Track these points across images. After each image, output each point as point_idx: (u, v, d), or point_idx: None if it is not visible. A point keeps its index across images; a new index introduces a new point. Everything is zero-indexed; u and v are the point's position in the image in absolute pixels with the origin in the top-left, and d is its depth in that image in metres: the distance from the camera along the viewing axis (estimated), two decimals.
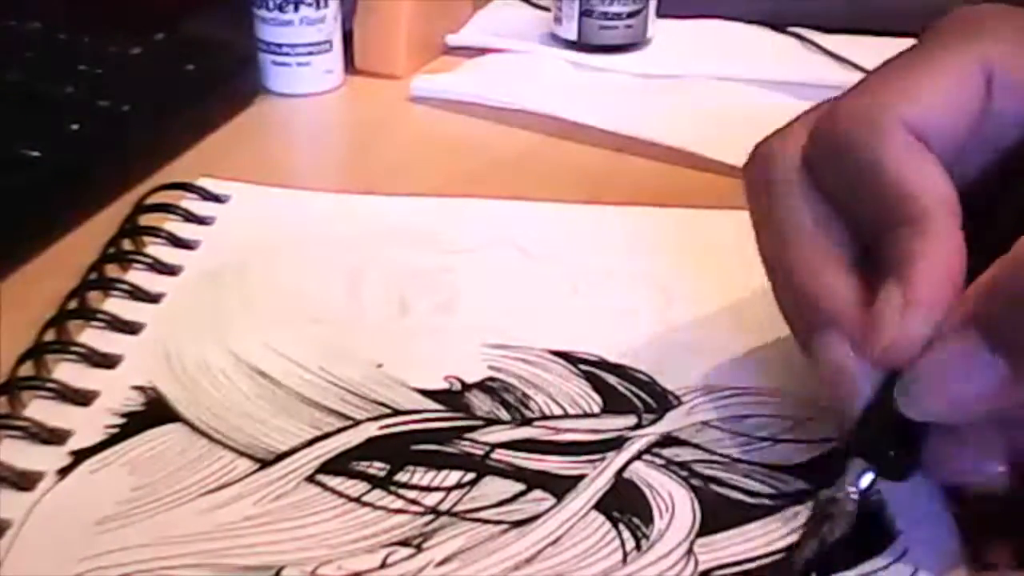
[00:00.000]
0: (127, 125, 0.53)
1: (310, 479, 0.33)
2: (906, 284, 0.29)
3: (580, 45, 0.70)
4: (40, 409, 0.35)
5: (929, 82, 0.32)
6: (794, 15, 0.72)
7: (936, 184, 0.30)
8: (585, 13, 0.68)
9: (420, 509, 0.32)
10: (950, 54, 0.32)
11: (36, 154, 0.48)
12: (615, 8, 0.68)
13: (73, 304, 0.40)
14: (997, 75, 0.32)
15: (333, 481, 0.32)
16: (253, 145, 0.57)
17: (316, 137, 0.61)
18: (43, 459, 0.33)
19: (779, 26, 0.72)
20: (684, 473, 0.33)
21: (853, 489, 0.30)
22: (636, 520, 0.31)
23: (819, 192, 0.32)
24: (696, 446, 0.34)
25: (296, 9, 0.61)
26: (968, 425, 0.29)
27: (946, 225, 0.30)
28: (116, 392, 0.36)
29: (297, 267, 0.44)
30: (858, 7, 0.72)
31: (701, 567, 0.30)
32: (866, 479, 0.30)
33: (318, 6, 0.61)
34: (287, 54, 0.62)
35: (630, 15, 0.69)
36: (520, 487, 0.32)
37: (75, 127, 0.51)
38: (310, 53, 0.62)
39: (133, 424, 0.35)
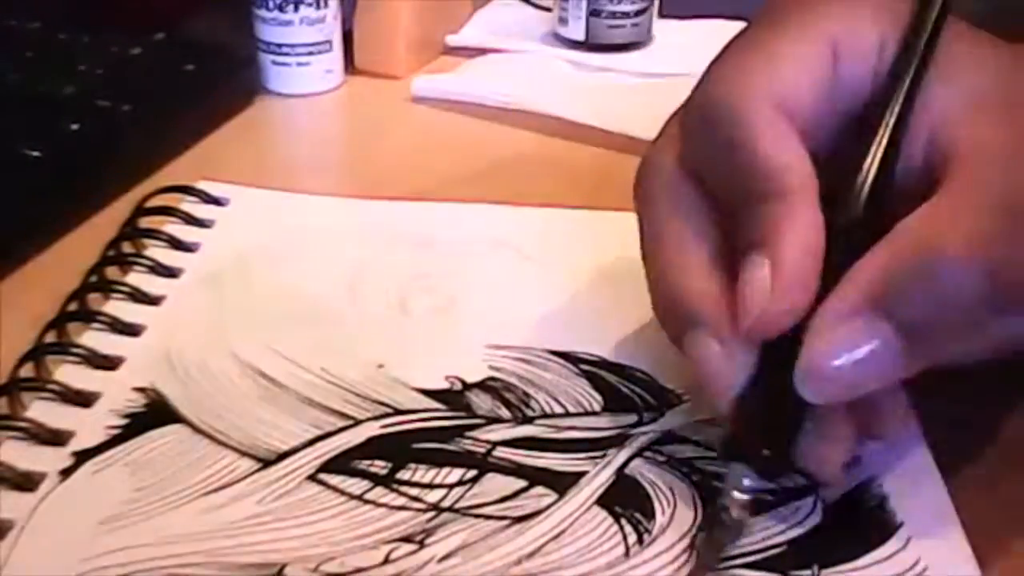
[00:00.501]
0: (127, 125, 0.53)
1: (312, 478, 0.33)
2: (773, 257, 0.30)
3: (587, 44, 0.70)
4: (41, 410, 0.35)
5: (786, 58, 0.32)
6: None
7: (799, 160, 0.31)
8: (593, 13, 0.69)
9: (422, 506, 0.32)
10: (799, 29, 0.33)
11: (36, 154, 0.48)
12: (623, 7, 0.69)
13: (74, 306, 0.40)
14: (841, 45, 0.32)
15: (335, 480, 0.33)
16: (253, 145, 0.57)
17: (316, 137, 0.61)
18: (45, 460, 0.33)
19: None
20: (685, 469, 0.33)
21: (738, 495, 0.30)
22: (638, 515, 0.31)
23: (689, 190, 0.33)
24: (697, 443, 0.34)
25: (296, 9, 0.61)
26: (832, 418, 0.31)
27: (806, 201, 0.30)
28: (117, 393, 0.36)
29: (297, 269, 0.44)
30: None
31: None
32: (747, 482, 0.30)
33: (318, 6, 0.61)
34: (287, 54, 0.62)
35: (637, 13, 0.69)
36: (522, 483, 0.33)
37: (75, 127, 0.51)
38: (310, 53, 0.62)
39: (135, 425, 0.35)
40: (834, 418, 0.31)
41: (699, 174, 0.33)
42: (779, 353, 0.30)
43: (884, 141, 0.31)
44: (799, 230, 0.30)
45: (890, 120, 0.31)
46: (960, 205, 0.29)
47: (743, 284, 0.30)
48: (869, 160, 0.31)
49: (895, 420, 0.32)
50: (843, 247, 0.30)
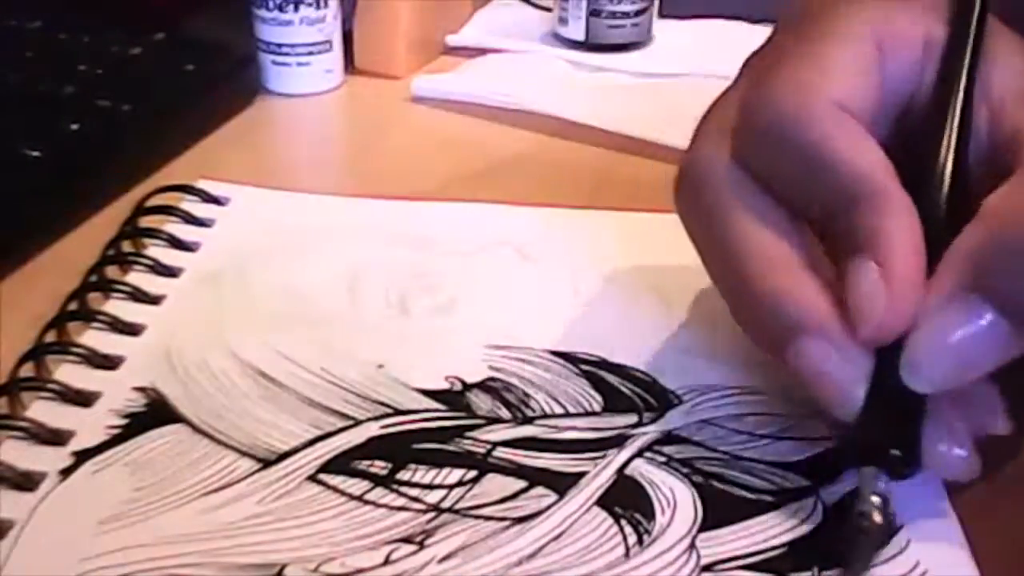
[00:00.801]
0: (127, 125, 0.53)
1: (312, 478, 0.33)
2: (882, 260, 0.29)
3: (587, 44, 0.70)
4: (42, 410, 0.35)
5: (839, 56, 0.32)
6: None
7: (881, 159, 0.31)
8: (593, 13, 0.69)
9: (422, 507, 0.32)
10: (845, 24, 0.33)
11: (36, 154, 0.48)
12: (623, 7, 0.69)
13: (74, 305, 0.40)
14: (885, 42, 0.33)
15: (335, 480, 0.33)
16: (253, 145, 0.57)
17: (316, 137, 0.61)
18: (45, 460, 0.33)
19: None
20: (685, 470, 0.33)
21: (877, 499, 0.29)
22: (638, 516, 0.31)
23: (757, 189, 0.33)
24: (697, 443, 0.34)
25: (296, 9, 0.61)
26: (946, 413, 0.30)
27: (901, 197, 0.30)
28: (117, 393, 0.36)
29: (297, 268, 0.44)
30: None
31: (703, 561, 0.30)
32: (882, 485, 0.29)
33: (318, 6, 0.61)
34: (287, 54, 0.62)
35: (637, 13, 0.69)
36: (522, 484, 0.33)
37: (75, 127, 0.51)
38: (310, 53, 0.62)
39: (135, 425, 0.35)
40: (947, 414, 0.30)
41: (764, 180, 0.33)
42: (892, 353, 0.29)
43: (955, 127, 0.32)
44: (902, 230, 0.30)
45: (956, 107, 0.32)
46: None
47: (855, 291, 0.30)
48: (944, 150, 0.32)
49: (994, 415, 0.31)
50: (932, 239, 0.30)
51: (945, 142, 0.32)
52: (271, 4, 0.61)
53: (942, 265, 0.29)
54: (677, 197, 0.35)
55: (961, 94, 0.32)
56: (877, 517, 0.29)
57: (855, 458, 0.30)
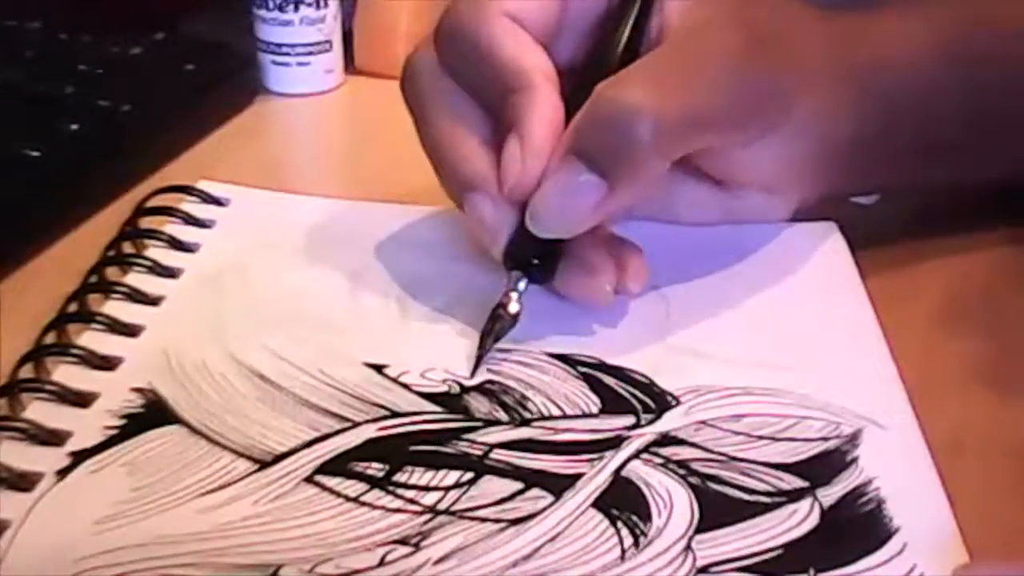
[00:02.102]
0: (127, 125, 0.53)
1: (308, 480, 0.33)
2: (521, 135, 0.37)
3: None
4: (40, 411, 0.35)
5: None
6: None
7: (535, 58, 0.39)
8: None
9: (418, 508, 0.32)
10: None
11: (36, 154, 0.48)
12: None
13: (73, 307, 0.40)
14: None
15: (331, 481, 0.33)
16: (253, 145, 0.57)
17: (316, 137, 0.61)
18: (42, 460, 0.33)
19: None
20: (682, 471, 0.33)
21: (515, 293, 0.38)
22: (634, 518, 0.31)
23: (453, 82, 0.40)
24: (694, 445, 0.34)
25: (296, 9, 0.61)
26: (586, 250, 0.39)
27: (546, 89, 0.38)
28: (115, 394, 0.36)
29: (296, 270, 0.44)
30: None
31: (699, 563, 0.30)
32: (521, 284, 0.38)
33: (318, 6, 0.61)
34: (287, 54, 0.62)
35: None
36: (518, 486, 0.33)
37: (75, 127, 0.51)
38: (310, 53, 0.62)
39: (132, 425, 0.35)
40: (588, 254, 0.39)
41: (456, 77, 0.40)
42: None
43: (627, 34, 0.40)
44: (540, 114, 0.38)
45: (629, 19, 0.40)
46: (638, 69, 0.38)
47: (503, 157, 0.38)
48: (616, 49, 0.40)
49: (632, 276, 0.40)
50: None
51: (620, 43, 0.40)
52: (271, 4, 0.61)
53: (563, 137, 0.37)
54: (401, 86, 0.42)
55: (635, 9, 0.40)
56: (513, 308, 0.38)
57: (507, 265, 0.39)
